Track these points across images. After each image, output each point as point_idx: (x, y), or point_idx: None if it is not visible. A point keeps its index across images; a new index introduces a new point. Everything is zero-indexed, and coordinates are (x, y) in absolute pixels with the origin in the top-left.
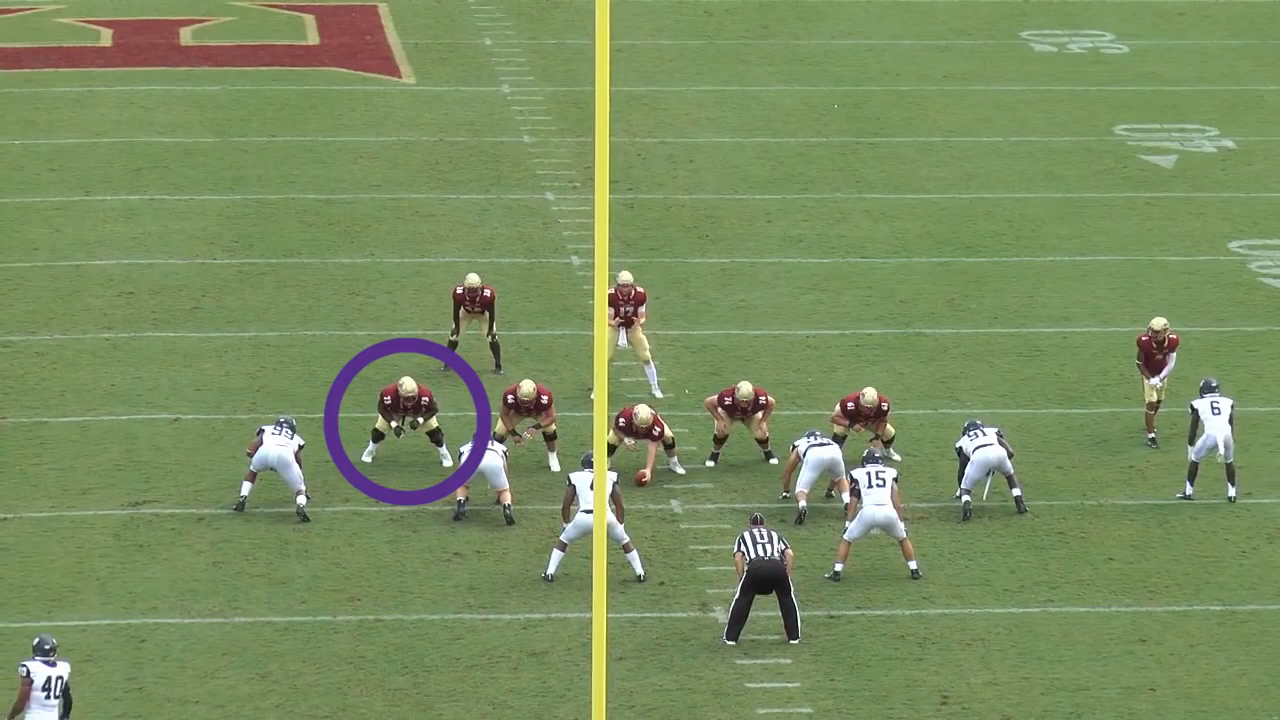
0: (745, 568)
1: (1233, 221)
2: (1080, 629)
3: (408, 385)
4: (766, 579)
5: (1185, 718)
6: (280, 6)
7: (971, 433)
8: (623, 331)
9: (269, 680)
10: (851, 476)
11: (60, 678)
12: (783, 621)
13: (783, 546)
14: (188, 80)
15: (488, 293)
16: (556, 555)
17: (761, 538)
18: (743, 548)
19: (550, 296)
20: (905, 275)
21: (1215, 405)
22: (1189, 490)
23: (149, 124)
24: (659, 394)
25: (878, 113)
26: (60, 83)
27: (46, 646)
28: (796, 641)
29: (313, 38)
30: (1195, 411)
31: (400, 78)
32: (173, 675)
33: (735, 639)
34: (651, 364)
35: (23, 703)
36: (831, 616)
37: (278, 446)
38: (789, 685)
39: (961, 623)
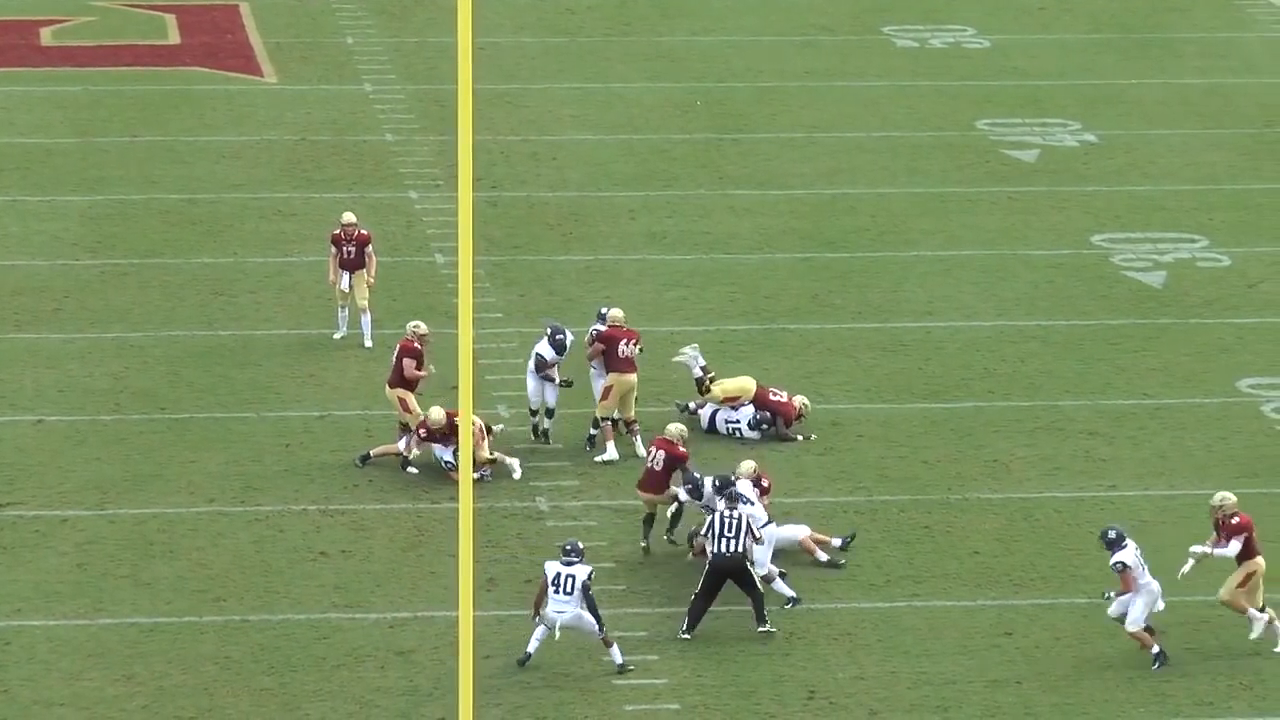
0: (708, 561)
1: (1095, 215)
2: (946, 623)
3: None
4: (725, 573)
5: (1051, 710)
6: (141, 6)
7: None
8: (345, 276)
9: (135, 682)
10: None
11: (572, 576)
12: (753, 610)
13: (750, 541)
14: (48, 81)
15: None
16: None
17: (729, 528)
18: (710, 533)
19: (414, 295)
20: (769, 271)
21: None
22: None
23: (9, 125)
24: (370, 344)
25: (740, 109)
26: None
27: (567, 548)
28: (766, 628)
29: (174, 37)
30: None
31: (262, 77)
32: (38, 678)
33: (691, 634)
34: (368, 314)
35: (540, 595)
36: None
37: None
38: (656, 681)
39: (828, 618)
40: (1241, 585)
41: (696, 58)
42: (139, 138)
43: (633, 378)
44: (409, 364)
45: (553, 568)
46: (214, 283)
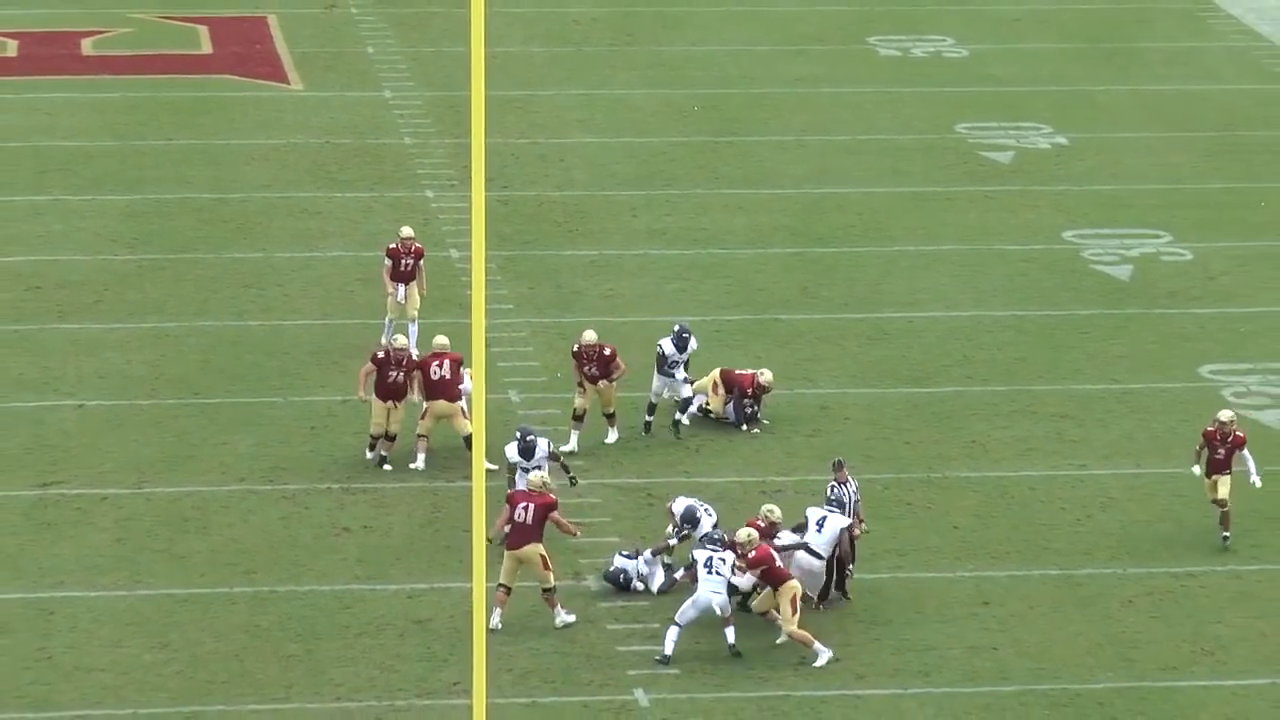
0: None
1: (1066, 213)
2: (927, 593)
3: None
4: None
5: (1025, 674)
6: (175, 18)
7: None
8: (401, 288)
9: (170, 649)
10: (691, 556)
11: (723, 559)
12: (836, 579)
13: (856, 516)
14: (89, 88)
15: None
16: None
17: (831, 497)
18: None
19: (431, 287)
20: (762, 265)
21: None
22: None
23: (53, 129)
24: (415, 352)
25: (735, 114)
26: None
27: (715, 537)
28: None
29: (206, 47)
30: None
31: (289, 84)
32: (80, 645)
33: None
34: (415, 323)
35: (691, 579)
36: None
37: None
38: (658, 648)
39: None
40: (794, 613)
41: (694, 66)
42: (174, 141)
43: (601, 384)
44: (364, 369)
45: (702, 554)
46: (244, 276)
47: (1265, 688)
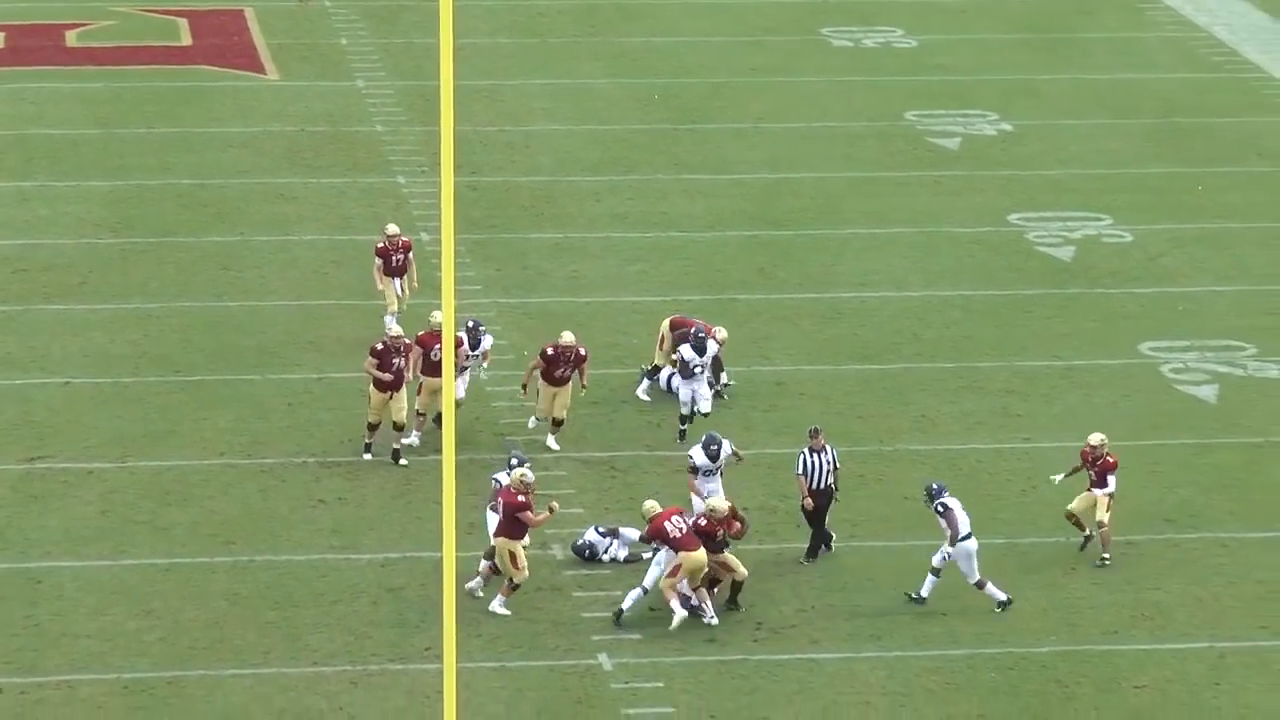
0: (806, 495)
1: (1011, 197)
2: (880, 561)
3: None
4: (817, 509)
5: (972, 638)
6: (156, 11)
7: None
8: (396, 282)
9: (153, 616)
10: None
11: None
12: (809, 545)
13: (833, 479)
14: (73, 78)
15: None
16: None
17: (813, 466)
18: (806, 471)
19: None
20: (720, 247)
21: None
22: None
23: (39, 118)
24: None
25: (694, 102)
26: None
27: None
28: (810, 563)
29: (186, 39)
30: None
31: (265, 74)
32: (66, 613)
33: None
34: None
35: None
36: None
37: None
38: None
39: (774, 558)
40: (672, 575)
41: (655, 56)
42: (155, 129)
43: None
44: (368, 362)
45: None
46: (223, 259)
47: (1202, 650)
